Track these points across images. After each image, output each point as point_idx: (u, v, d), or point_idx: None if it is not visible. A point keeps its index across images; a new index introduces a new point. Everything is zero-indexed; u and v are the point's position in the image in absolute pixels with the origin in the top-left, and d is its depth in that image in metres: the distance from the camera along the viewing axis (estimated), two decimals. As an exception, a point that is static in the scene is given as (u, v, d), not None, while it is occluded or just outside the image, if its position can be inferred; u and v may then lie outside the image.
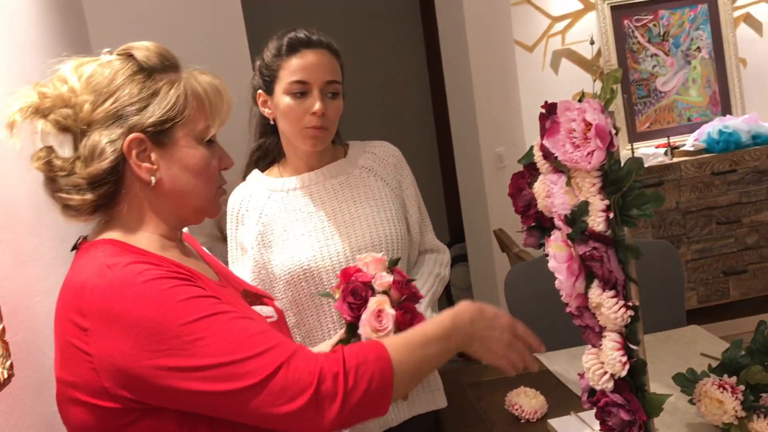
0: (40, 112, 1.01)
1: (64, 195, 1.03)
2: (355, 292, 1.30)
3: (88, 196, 1.02)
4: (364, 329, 1.28)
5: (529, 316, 2.09)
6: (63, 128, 1.01)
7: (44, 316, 1.34)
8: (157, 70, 1.06)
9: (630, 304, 1.10)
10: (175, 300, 0.95)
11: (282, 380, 0.94)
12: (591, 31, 3.67)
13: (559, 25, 3.67)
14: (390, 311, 1.28)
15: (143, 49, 1.07)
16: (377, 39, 4.86)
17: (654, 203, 1.07)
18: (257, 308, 1.15)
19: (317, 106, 1.50)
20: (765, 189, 3.48)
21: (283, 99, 1.53)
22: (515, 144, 3.48)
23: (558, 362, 1.82)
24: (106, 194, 1.03)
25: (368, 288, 1.31)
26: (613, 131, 1.05)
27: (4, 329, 1.14)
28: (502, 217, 3.29)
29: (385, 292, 1.30)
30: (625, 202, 1.08)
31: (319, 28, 1.60)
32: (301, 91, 1.51)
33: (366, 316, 1.28)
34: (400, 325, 1.28)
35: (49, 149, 1.02)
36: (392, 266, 1.35)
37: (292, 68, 1.51)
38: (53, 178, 1.03)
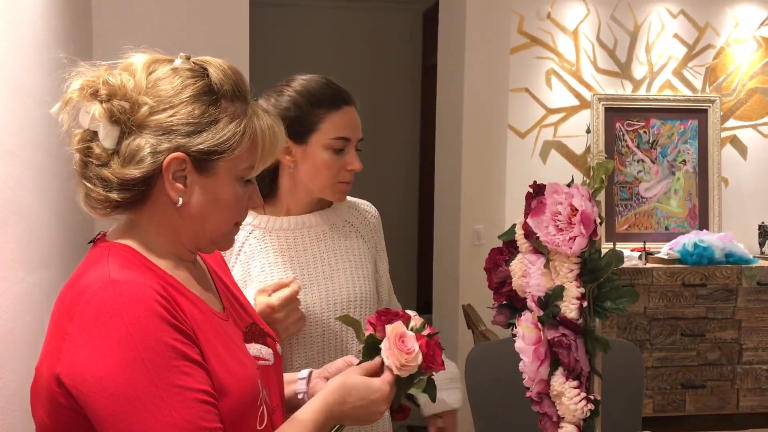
0: (98, 96, 0.98)
1: (89, 184, 0.99)
2: (388, 312, 1.23)
3: (112, 195, 0.98)
4: (390, 358, 1.17)
5: (487, 397, 2.06)
6: (114, 120, 0.98)
7: (-9, 318, 1.29)
8: (225, 97, 1.02)
9: (592, 397, 1.08)
10: (158, 353, 0.91)
11: None
12: (585, 126, 3.75)
13: (553, 117, 3.75)
14: (410, 333, 1.18)
15: (220, 69, 1.03)
16: (375, 100, 4.93)
17: (629, 299, 1.07)
18: (256, 347, 1.10)
19: (357, 164, 1.54)
20: (732, 308, 3.51)
21: (321, 152, 1.52)
22: (495, 224, 3.50)
23: (508, 449, 1.78)
24: (130, 199, 1.00)
25: (402, 317, 1.22)
26: (598, 220, 1.05)
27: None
28: (473, 294, 3.29)
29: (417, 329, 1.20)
30: (600, 292, 1.08)
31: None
32: (342, 147, 1.52)
33: (387, 344, 1.18)
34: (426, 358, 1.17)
35: (93, 134, 0.99)
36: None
37: (338, 124, 1.51)
38: (87, 162, 1.00)
